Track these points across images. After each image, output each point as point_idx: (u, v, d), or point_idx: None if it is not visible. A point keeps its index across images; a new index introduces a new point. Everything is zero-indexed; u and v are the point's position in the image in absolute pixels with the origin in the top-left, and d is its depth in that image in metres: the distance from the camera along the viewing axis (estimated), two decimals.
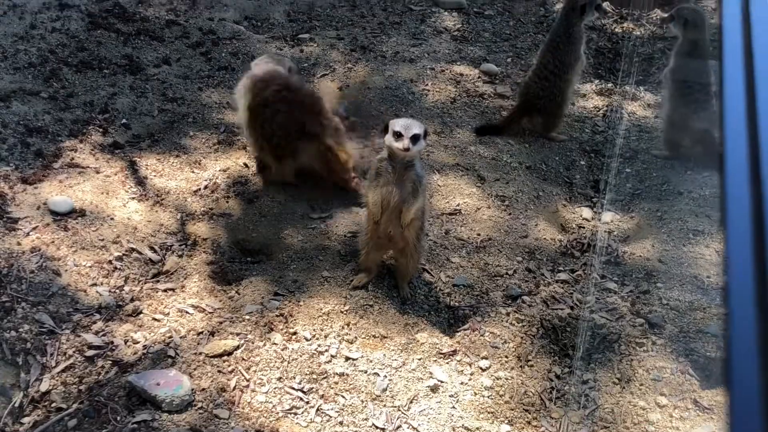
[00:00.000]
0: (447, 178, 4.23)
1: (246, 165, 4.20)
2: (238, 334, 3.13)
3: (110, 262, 3.33)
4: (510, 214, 4.05)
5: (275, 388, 2.90)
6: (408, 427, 2.84)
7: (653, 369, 3.14)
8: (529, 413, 2.96)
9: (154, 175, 3.96)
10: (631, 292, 3.56)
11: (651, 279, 3.61)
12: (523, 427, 2.90)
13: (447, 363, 3.10)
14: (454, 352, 3.14)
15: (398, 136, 3.02)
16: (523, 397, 3.01)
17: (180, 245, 3.61)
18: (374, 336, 3.16)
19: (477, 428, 2.87)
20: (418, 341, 3.20)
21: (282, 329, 3.16)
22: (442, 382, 3.04)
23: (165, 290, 3.36)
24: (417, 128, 3.04)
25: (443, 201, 4.09)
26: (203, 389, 2.86)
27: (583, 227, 4.05)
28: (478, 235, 3.85)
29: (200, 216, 3.81)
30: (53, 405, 2.74)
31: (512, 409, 2.95)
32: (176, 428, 2.69)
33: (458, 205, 4.06)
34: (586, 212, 4.21)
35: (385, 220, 3.13)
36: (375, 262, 3.35)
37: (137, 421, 2.69)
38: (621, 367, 3.13)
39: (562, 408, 2.94)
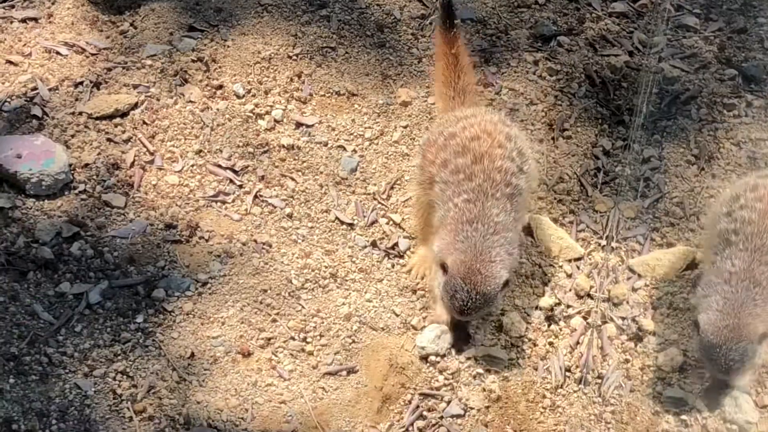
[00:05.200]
0: None
1: None
2: (135, 87, 2.82)
3: None
4: None
5: (193, 166, 2.64)
6: (387, 222, 2.59)
7: (746, 141, 2.88)
8: (564, 204, 2.70)
9: None
10: (720, 30, 3.23)
11: (749, 11, 3.27)
12: (556, 220, 2.63)
13: None
14: None
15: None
16: (557, 183, 2.74)
17: None
18: (338, 93, 2.89)
19: None
20: (402, 100, 2.90)
21: (201, 81, 2.87)
22: None
23: (23, 20, 2.98)
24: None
25: None
26: (86, 165, 2.59)
27: None
28: None
29: None
30: None
31: (540, 199, 2.69)
32: (47, 219, 2.42)
33: None
34: None
35: None
36: None
37: None
38: (700, 139, 2.85)
39: (610, 197, 2.68)
